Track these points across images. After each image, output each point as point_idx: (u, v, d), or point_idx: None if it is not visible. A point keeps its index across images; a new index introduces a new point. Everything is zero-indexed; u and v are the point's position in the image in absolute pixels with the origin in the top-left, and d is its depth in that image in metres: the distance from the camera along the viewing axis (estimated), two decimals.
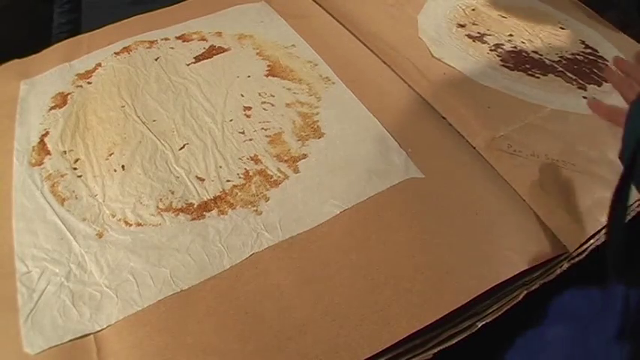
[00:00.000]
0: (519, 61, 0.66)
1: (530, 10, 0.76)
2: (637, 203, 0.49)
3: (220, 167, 0.55)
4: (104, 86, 0.68)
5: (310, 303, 0.43)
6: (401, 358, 0.41)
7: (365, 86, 0.63)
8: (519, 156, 0.53)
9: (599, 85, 0.62)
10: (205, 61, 0.70)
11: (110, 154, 0.58)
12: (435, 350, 0.41)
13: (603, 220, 0.47)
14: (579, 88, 0.62)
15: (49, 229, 0.50)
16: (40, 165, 0.57)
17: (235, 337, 0.41)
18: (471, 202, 0.50)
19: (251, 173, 0.54)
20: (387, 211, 0.49)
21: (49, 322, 0.43)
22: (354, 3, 0.78)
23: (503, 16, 0.75)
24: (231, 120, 0.60)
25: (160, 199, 0.52)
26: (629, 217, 0.47)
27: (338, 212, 0.49)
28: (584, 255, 0.46)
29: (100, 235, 0.50)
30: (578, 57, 0.67)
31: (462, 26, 0.73)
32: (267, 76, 0.66)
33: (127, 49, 0.74)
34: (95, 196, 0.53)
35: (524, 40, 0.70)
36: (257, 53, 0.70)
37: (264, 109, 0.62)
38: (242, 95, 0.64)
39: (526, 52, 0.68)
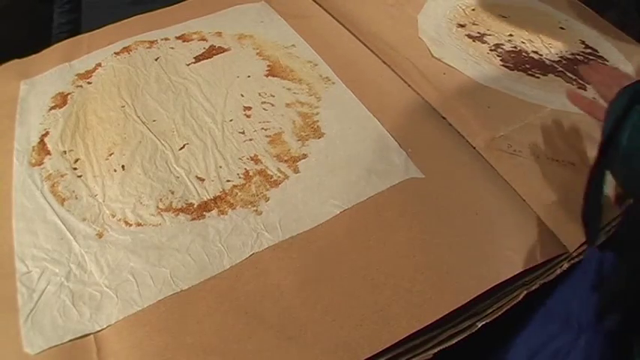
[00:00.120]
0: (519, 61, 0.66)
1: (530, 10, 0.76)
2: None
3: (220, 167, 0.55)
4: (104, 86, 0.68)
5: (310, 303, 0.43)
6: (401, 358, 0.41)
7: (365, 86, 0.63)
8: (519, 156, 0.53)
9: None
10: (205, 61, 0.70)
11: (110, 154, 0.58)
12: (435, 350, 0.41)
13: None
14: (579, 88, 0.62)
15: (49, 229, 0.51)
16: (40, 165, 0.57)
17: (235, 337, 0.41)
18: (471, 202, 0.50)
19: (251, 173, 0.54)
20: (387, 211, 0.49)
21: (49, 322, 0.43)
22: (354, 3, 0.78)
23: (504, 16, 0.75)
24: (231, 120, 0.60)
25: (160, 199, 0.52)
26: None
27: (338, 212, 0.49)
28: (584, 255, 0.46)
29: (100, 235, 0.50)
30: (578, 57, 0.67)
31: (462, 26, 0.73)
32: (267, 76, 0.66)
33: (127, 49, 0.74)
34: (95, 196, 0.53)
35: (524, 40, 0.70)
36: (257, 53, 0.70)
37: (264, 109, 0.62)
38: (242, 95, 0.64)
39: (526, 52, 0.68)
